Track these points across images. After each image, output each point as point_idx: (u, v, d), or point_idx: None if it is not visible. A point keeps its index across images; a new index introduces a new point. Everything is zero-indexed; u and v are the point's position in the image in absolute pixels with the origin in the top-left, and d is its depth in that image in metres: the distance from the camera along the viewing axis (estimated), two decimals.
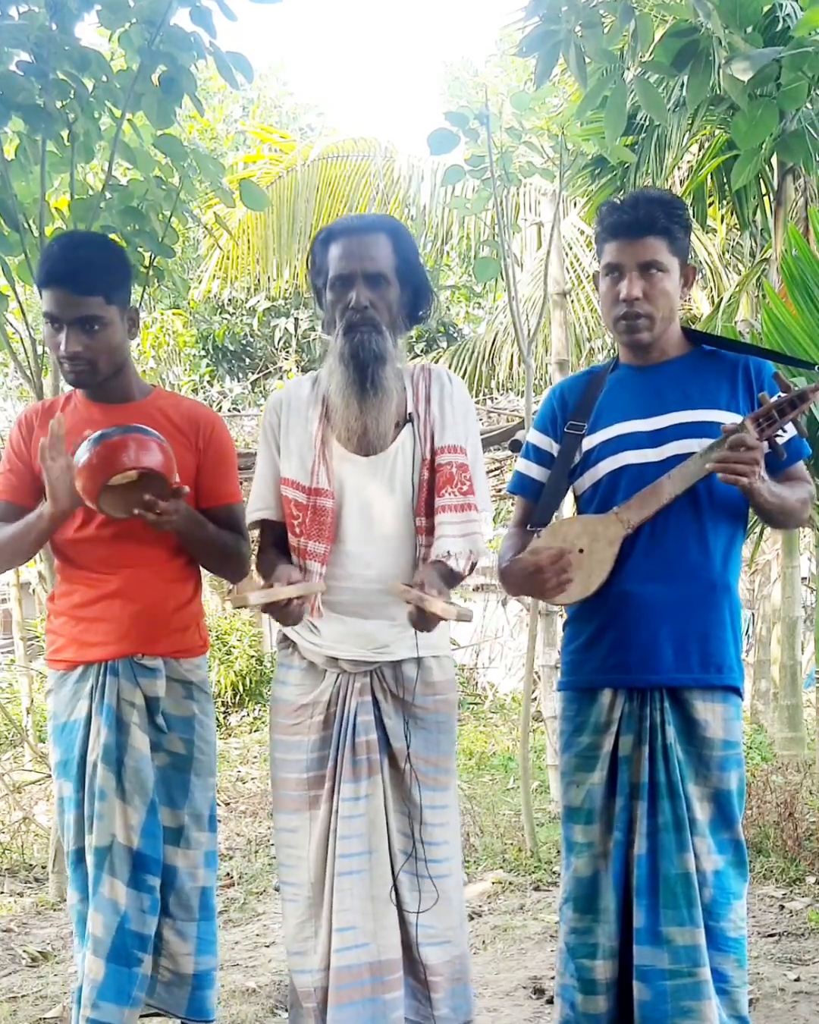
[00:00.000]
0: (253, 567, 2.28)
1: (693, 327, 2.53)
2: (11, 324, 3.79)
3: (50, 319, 2.17)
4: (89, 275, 2.14)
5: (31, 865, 4.52)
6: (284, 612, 1.94)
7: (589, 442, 2.12)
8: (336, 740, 2.05)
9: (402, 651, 2.08)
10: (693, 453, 1.98)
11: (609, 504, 2.05)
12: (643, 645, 2.01)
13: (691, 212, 5.91)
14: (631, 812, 2.00)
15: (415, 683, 2.08)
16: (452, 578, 2.03)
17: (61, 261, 2.14)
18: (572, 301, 7.43)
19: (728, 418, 1.99)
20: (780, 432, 1.94)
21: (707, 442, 1.97)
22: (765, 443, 1.91)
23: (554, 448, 2.18)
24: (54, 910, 3.91)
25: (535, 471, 2.22)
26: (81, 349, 2.16)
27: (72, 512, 2.13)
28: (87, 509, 2.12)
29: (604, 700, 2.05)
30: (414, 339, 11.65)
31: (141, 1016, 2.31)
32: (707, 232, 7.45)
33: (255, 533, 2.27)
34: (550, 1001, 2.83)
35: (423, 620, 1.90)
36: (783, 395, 1.93)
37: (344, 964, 1.98)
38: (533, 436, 2.24)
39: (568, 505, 2.31)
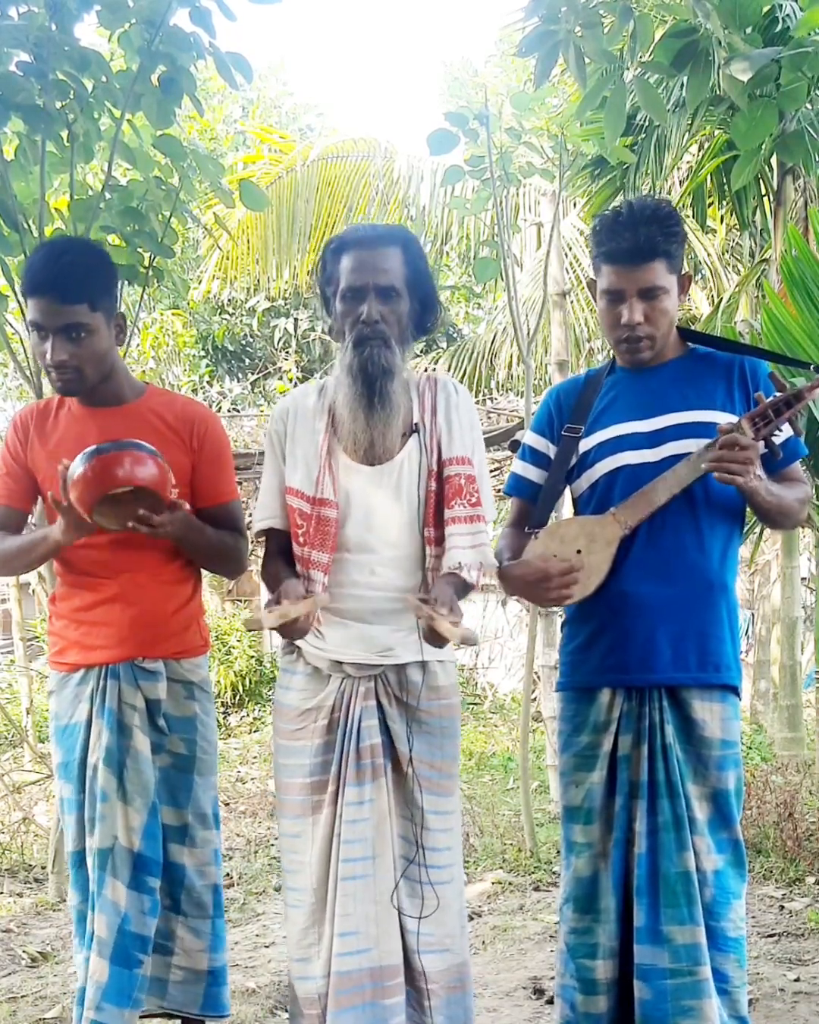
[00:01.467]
0: (258, 574, 2.28)
1: (692, 327, 2.53)
2: (11, 324, 3.78)
3: (35, 328, 2.16)
4: (72, 283, 2.11)
5: (31, 865, 4.51)
6: (292, 628, 1.94)
7: (586, 443, 2.12)
8: (340, 744, 2.04)
9: (406, 655, 2.07)
10: (690, 453, 1.99)
11: (606, 505, 2.05)
12: (641, 645, 2.02)
13: (690, 213, 5.92)
14: (630, 811, 2.01)
15: (420, 687, 2.07)
16: (464, 589, 2.03)
17: (43, 269, 2.12)
18: (572, 301, 7.42)
19: (725, 418, 2.00)
20: (777, 432, 1.94)
21: (704, 442, 1.97)
22: (761, 443, 1.91)
23: (550, 450, 2.19)
24: (54, 910, 3.91)
25: (532, 473, 2.22)
26: (67, 357, 2.15)
27: (79, 538, 2.12)
28: None
29: (603, 700, 2.06)
30: None
31: (145, 1017, 2.32)
32: (707, 232, 7.45)
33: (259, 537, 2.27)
34: (550, 1001, 2.83)
35: (434, 637, 1.89)
36: (779, 395, 1.93)
37: (345, 969, 1.97)
38: (530, 438, 2.25)
39: (567, 507, 2.31)
